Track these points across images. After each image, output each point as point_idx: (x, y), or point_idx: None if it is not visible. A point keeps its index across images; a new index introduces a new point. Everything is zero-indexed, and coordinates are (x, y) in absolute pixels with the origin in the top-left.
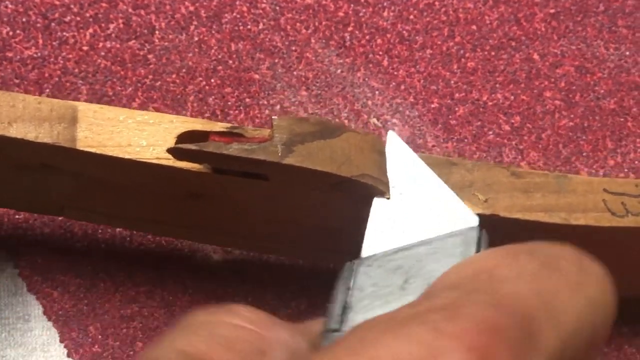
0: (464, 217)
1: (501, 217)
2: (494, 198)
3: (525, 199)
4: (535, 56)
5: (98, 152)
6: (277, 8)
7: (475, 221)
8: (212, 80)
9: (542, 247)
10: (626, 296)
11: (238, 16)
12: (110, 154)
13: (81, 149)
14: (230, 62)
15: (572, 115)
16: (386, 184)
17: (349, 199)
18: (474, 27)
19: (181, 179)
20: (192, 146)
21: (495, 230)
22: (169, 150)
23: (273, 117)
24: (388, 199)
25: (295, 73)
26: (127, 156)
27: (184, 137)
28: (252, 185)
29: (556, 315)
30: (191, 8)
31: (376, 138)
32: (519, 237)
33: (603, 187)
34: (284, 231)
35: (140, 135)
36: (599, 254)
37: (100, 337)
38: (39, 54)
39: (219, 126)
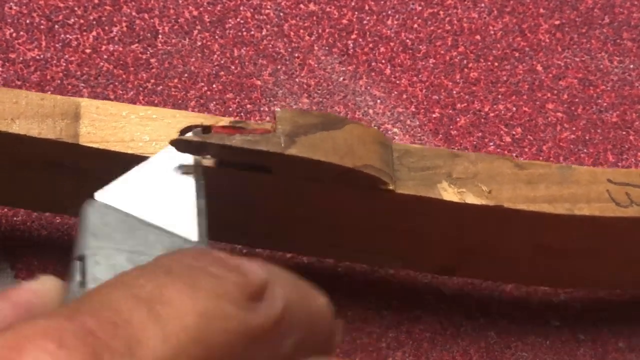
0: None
1: (505, 208)
2: (498, 189)
3: (529, 190)
4: (539, 67)
5: (101, 147)
6: (281, 14)
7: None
8: (214, 86)
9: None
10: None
11: (242, 22)
12: (113, 149)
13: (84, 144)
14: (233, 67)
15: (573, 128)
16: (389, 174)
17: (352, 191)
18: (477, 37)
19: None
20: (195, 137)
21: (500, 221)
22: (172, 142)
23: (276, 109)
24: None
25: (297, 80)
26: (130, 151)
27: (186, 131)
28: (255, 178)
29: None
30: (195, 13)
31: (379, 130)
32: (523, 228)
33: (607, 177)
34: (286, 225)
35: (143, 130)
36: (603, 244)
37: None
38: (42, 56)
39: (222, 121)
